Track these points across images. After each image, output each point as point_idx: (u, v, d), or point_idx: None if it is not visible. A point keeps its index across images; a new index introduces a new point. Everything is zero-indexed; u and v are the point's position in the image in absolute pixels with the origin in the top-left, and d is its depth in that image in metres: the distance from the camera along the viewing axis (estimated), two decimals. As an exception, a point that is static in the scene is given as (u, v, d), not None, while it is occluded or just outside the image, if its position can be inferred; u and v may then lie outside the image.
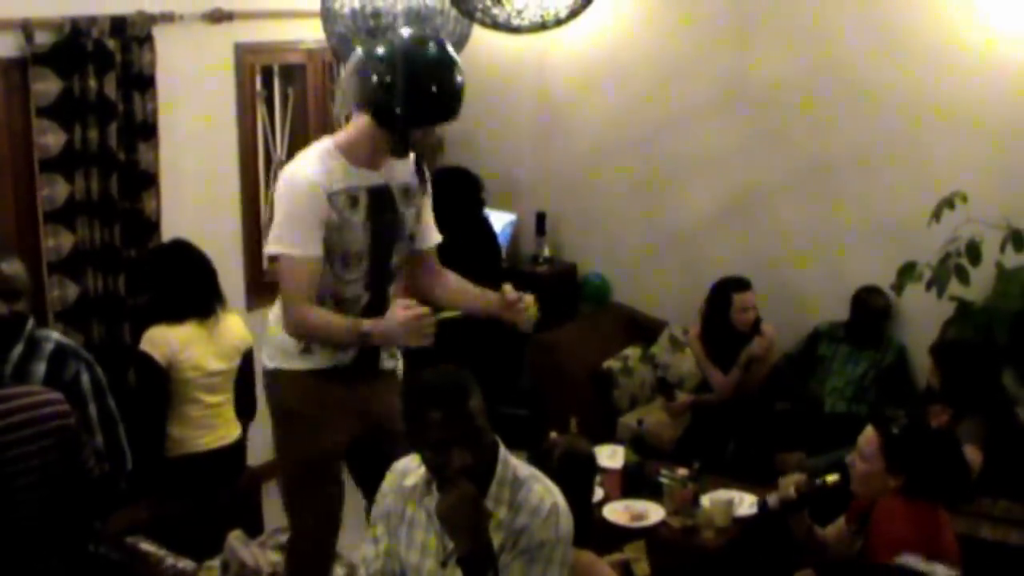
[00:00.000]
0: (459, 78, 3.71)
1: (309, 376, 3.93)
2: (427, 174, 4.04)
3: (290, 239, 3.74)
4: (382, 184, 3.89)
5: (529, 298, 3.95)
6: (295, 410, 3.97)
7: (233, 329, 5.11)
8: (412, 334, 3.65)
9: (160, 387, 4.90)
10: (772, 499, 4.15)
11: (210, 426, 5.07)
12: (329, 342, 3.88)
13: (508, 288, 3.97)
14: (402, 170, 3.93)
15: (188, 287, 5.02)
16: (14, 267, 4.02)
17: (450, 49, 3.77)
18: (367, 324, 3.74)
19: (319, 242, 3.75)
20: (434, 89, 3.67)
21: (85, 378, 4.09)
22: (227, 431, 5.14)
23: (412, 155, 3.89)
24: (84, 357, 4.14)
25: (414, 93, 3.66)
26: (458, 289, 4.13)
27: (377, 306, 3.91)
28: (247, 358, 5.16)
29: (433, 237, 4.14)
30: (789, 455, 5.73)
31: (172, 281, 5.06)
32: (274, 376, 4.01)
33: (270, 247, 3.82)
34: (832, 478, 4.04)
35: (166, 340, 4.91)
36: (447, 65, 3.71)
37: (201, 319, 4.99)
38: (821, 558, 4.21)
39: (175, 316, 4.96)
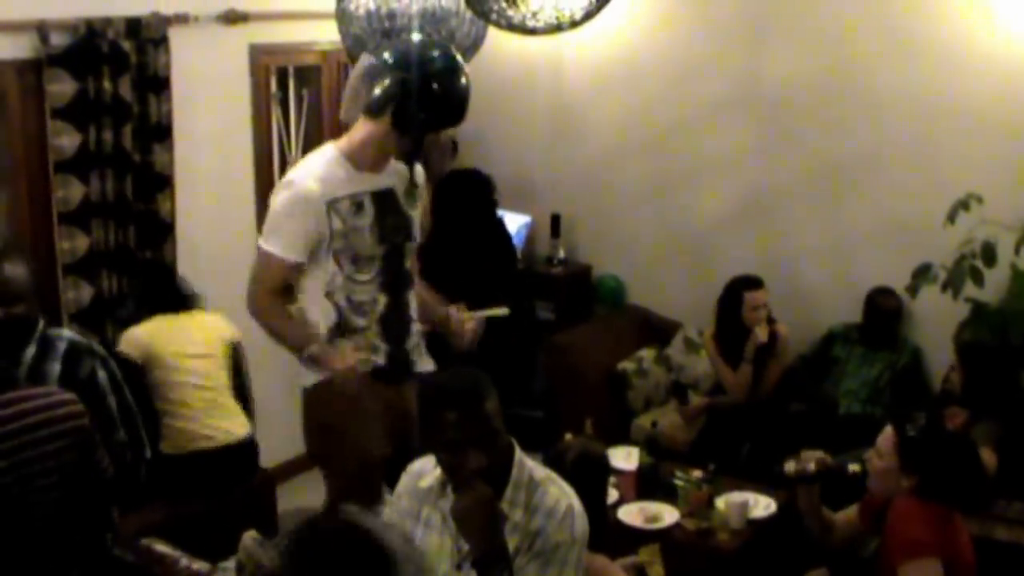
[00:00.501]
0: (464, 81, 3.74)
1: None
2: (421, 177, 4.07)
3: (275, 239, 3.86)
4: (387, 187, 3.90)
5: (466, 318, 4.10)
6: (336, 424, 3.97)
7: (213, 323, 5.22)
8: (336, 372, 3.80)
9: (139, 383, 4.93)
10: (790, 466, 4.18)
11: (213, 415, 5.09)
12: (275, 338, 3.99)
13: (453, 309, 4.14)
14: (403, 172, 3.94)
15: (146, 293, 5.24)
16: (16, 270, 4.00)
17: (455, 54, 3.79)
18: (316, 347, 3.82)
19: (302, 251, 3.84)
20: (441, 94, 3.70)
21: (102, 374, 4.10)
22: (232, 424, 5.16)
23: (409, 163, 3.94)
24: (98, 353, 4.15)
25: (424, 99, 3.68)
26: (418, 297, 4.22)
27: (397, 311, 3.92)
28: (237, 351, 5.27)
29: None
30: (803, 457, 5.71)
31: (133, 296, 5.31)
32: (314, 391, 4.00)
33: (260, 240, 3.94)
34: (854, 467, 4.06)
35: (137, 336, 5.06)
36: (453, 70, 3.73)
37: (166, 313, 5.13)
38: (823, 539, 4.23)
39: (141, 318, 5.13)
